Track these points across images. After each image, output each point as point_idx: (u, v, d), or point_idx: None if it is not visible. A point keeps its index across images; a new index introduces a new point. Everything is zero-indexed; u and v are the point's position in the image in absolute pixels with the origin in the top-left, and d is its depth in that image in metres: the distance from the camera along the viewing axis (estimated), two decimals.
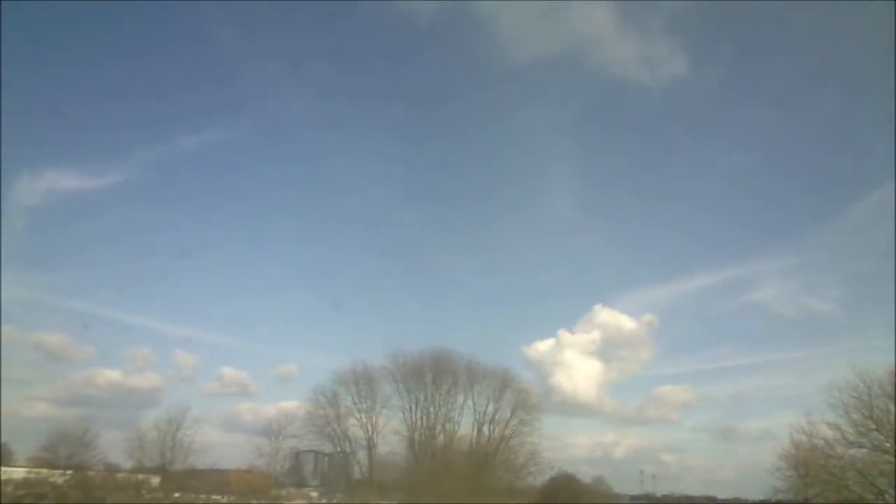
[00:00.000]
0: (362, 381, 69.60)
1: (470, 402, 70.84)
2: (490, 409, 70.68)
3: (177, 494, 63.26)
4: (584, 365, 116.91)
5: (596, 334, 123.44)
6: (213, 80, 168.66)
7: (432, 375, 70.71)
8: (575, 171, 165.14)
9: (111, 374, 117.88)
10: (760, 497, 67.74)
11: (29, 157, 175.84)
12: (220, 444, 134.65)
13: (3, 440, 70.22)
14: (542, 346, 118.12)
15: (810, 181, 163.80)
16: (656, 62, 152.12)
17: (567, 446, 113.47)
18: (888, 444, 42.57)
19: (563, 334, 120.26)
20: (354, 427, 68.97)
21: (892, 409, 43.21)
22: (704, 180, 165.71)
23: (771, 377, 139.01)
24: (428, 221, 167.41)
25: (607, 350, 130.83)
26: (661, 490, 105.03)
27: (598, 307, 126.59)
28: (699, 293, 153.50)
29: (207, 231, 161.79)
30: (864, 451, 44.48)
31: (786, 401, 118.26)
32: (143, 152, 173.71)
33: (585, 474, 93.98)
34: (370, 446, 69.02)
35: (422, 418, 70.19)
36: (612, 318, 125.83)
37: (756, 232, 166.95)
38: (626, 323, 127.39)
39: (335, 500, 76.08)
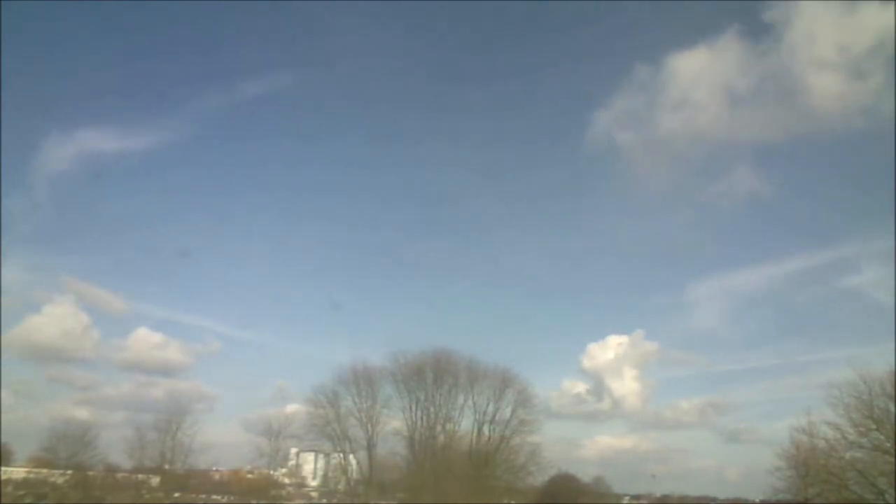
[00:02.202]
0: (362, 381, 69.41)
1: (470, 402, 70.69)
2: (490, 408, 70.59)
3: (177, 494, 63.27)
4: (634, 369, 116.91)
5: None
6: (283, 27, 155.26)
7: (433, 375, 70.58)
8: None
9: (168, 381, 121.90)
10: (762, 497, 67.58)
11: (58, 113, 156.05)
12: (234, 444, 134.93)
13: (4, 440, 70.19)
14: (603, 346, 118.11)
15: None
16: None
17: (580, 447, 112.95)
18: (888, 444, 42.56)
19: (636, 334, 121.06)
20: (354, 427, 68.73)
21: (893, 409, 43.27)
22: (800, 154, 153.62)
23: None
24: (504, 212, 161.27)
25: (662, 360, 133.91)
26: (662, 490, 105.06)
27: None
28: (786, 278, 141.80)
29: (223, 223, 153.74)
30: (864, 451, 44.51)
31: None
32: (196, 106, 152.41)
33: (588, 474, 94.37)
34: (370, 446, 68.75)
35: (422, 418, 70.01)
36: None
37: (857, 209, 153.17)
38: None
39: (335, 500, 76.06)
